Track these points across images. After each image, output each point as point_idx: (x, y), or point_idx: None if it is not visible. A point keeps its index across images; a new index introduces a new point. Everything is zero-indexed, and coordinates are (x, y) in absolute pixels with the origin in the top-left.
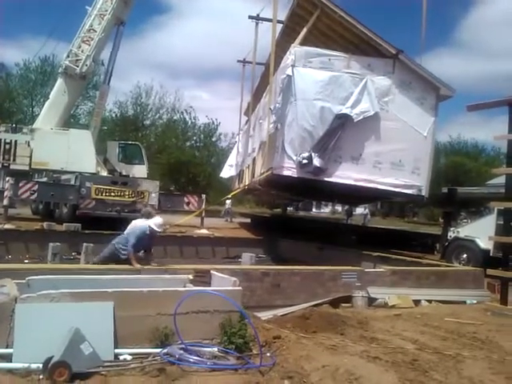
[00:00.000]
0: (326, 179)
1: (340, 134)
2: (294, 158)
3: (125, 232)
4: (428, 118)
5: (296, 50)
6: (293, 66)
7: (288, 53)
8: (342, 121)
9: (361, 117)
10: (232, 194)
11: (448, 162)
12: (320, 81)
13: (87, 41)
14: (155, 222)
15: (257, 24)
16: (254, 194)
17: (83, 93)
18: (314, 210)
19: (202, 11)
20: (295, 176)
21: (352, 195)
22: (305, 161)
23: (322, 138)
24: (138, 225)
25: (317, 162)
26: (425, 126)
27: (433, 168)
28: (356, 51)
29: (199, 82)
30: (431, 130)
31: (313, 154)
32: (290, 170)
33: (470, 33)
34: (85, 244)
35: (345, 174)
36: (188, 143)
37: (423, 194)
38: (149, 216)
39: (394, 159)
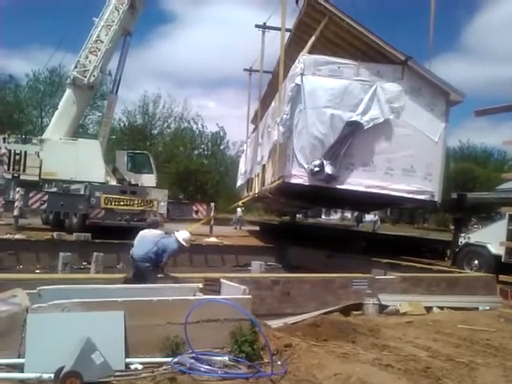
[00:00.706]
0: (338, 186)
1: (351, 141)
2: (306, 165)
3: (145, 245)
4: (439, 124)
5: (305, 58)
6: (302, 74)
7: (297, 61)
8: (353, 128)
9: (371, 124)
10: (241, 201)
11: (457, 168)
12: (329, 89)
13: (94, 51)
14: (184, 238)
15: (263, 32)
16: (264, 202)
17: (91, 103)
18: (323, 216)
19: (206, 20)
20: (307, 184)
21: (364, 202)
22: (316, 168)
23: (333, 146)
24: (167, 242)
25: (328, 169)
26: (436, 132)
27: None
28: (364, 58)
29: (205, 91)
30: (442, 135)
31: (324, 162)
32: (301, 178)
33: (476, 37)
34: (95, 253)
35: (357, 181)
36: (196, 152)
37: (436, 199)
38: (156, 225)
39: (406, 165)
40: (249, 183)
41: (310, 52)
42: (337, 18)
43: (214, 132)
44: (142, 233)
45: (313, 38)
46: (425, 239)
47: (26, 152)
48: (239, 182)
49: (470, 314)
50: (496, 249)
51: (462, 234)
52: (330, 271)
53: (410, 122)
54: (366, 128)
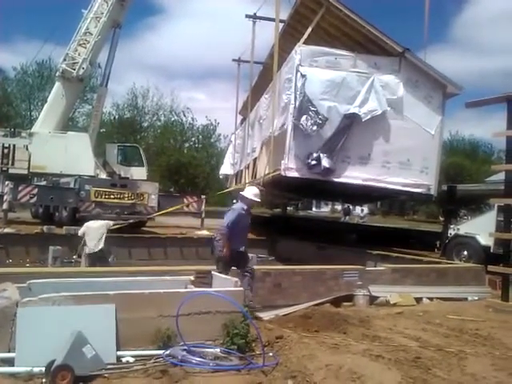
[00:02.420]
0: (335, 180)
1: (348, 134)
2: (302, 159)
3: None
4: (435, 117)
5: (302, 49)
6: (299, 65)
7: (293, 52)
8: (350, 120)
9: (369, 116)
10: (222, 192)
11: (447, 161)
12: (326, 80)
13: (83, 44)
14: (253, 193)
15: (254, 23)
16: None
17: (81, 95)
18: (313, 209)
19: (194, 12)
20: (304, 177)
21: (360, 195)
22: (313, 162)
23: (330, 139)
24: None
25: (325, 162)
26: (432, 125)
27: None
28: (361, 50)
29: (194, 83)
30: (439, 128)
31: (321, 155)
32: (298, 171)
33: (463, 30)
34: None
35: (353, 174)
36: (187, 144)
37: (432, 192)
38: (98, 216)
39: (403, 158)
40: (238, 175)
41: (306, 43)
42: (334, 8)
43: (205, 125)
44: (87, 224)
45: (309, 29)
46: (415, 231)
47: (14, 145)
48: (222, 171)
49: (459, 304)
50: (485, 240)
51: (452, 226)
52: (322, 263)
53: (406, 114)
54: (363, 120)
